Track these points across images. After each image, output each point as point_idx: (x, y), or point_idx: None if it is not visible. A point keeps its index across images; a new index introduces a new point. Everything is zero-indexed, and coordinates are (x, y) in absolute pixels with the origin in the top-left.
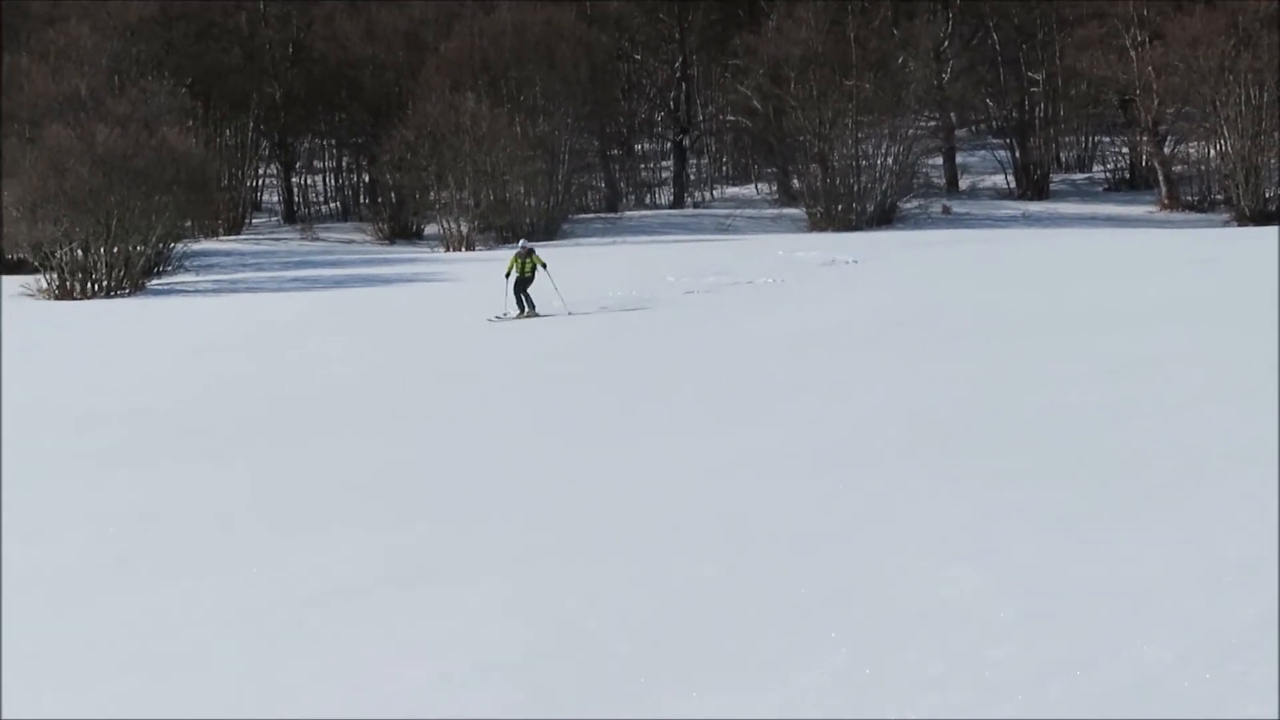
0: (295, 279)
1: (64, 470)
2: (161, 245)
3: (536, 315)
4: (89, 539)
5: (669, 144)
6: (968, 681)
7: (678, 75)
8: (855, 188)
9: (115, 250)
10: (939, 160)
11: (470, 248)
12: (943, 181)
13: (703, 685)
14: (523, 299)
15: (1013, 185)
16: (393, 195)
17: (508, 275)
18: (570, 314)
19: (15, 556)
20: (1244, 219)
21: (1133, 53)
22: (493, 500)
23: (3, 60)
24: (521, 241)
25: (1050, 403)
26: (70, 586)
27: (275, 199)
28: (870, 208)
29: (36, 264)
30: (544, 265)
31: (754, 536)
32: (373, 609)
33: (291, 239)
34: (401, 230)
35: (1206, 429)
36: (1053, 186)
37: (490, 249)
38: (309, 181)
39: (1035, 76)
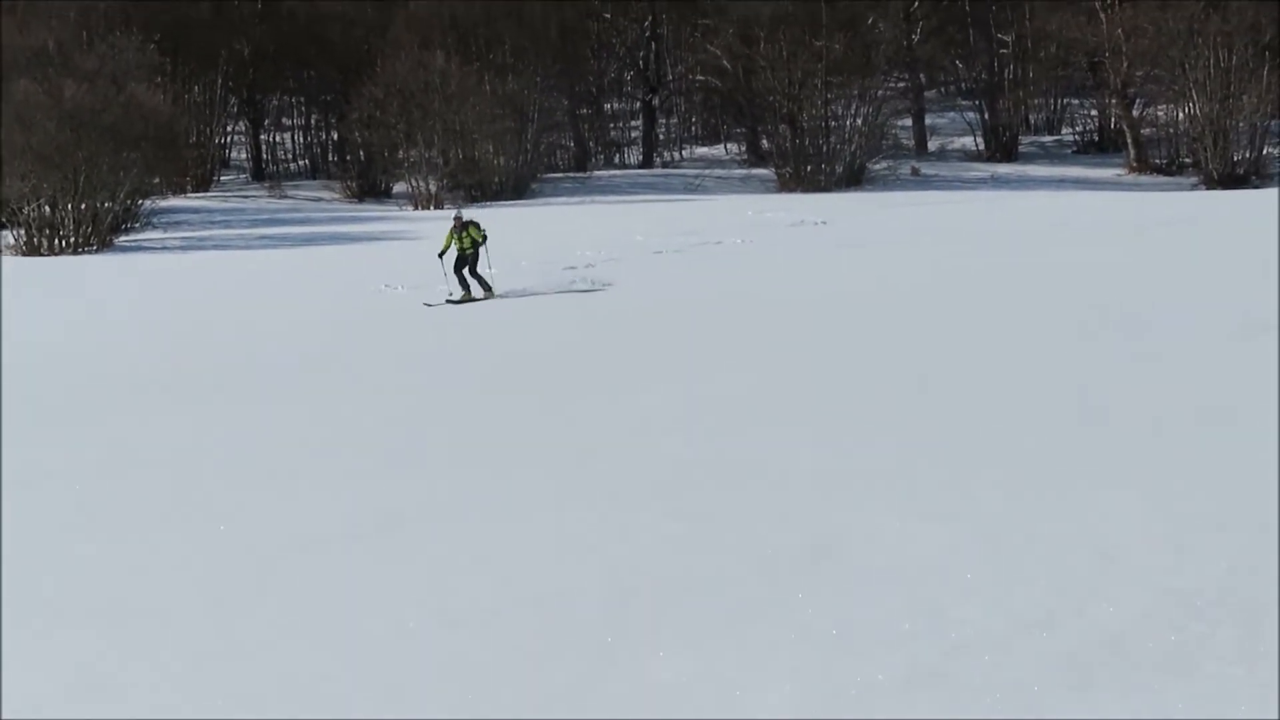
0: (263, 237)
1: (26, 425)
2: (129, 202)
3: (492, 295)
4: (49, 492)
5: (638, 103)
6: (935, 639)
7: (647, 34)
8: (824, 149)
9: (83, 207)
10: (908, 122)
11: (439, 206)
12: (912, 143)
13: (668, 643)
14: (465, 278)
15: (982, 147)
16: (361, 153)
17: (442, 254)
18: (501, 296)
19: None
20: (1212, 182)
21: (1102, 15)
22: (454, 455)
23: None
24: (456, 211)
25: (1017, 362)
26: (30, 539)
27: (244, 156)
28: (839, 169)
29: (3, 220)
30: (484, 240)
31: (719, 492)
32: (335, 562)
33: (260, 196)
34: (370, 188)
35: (1176, 388)
36: (1021, 149)
37: (459, 207)
38: (278, 139)
39: (1005, 38)
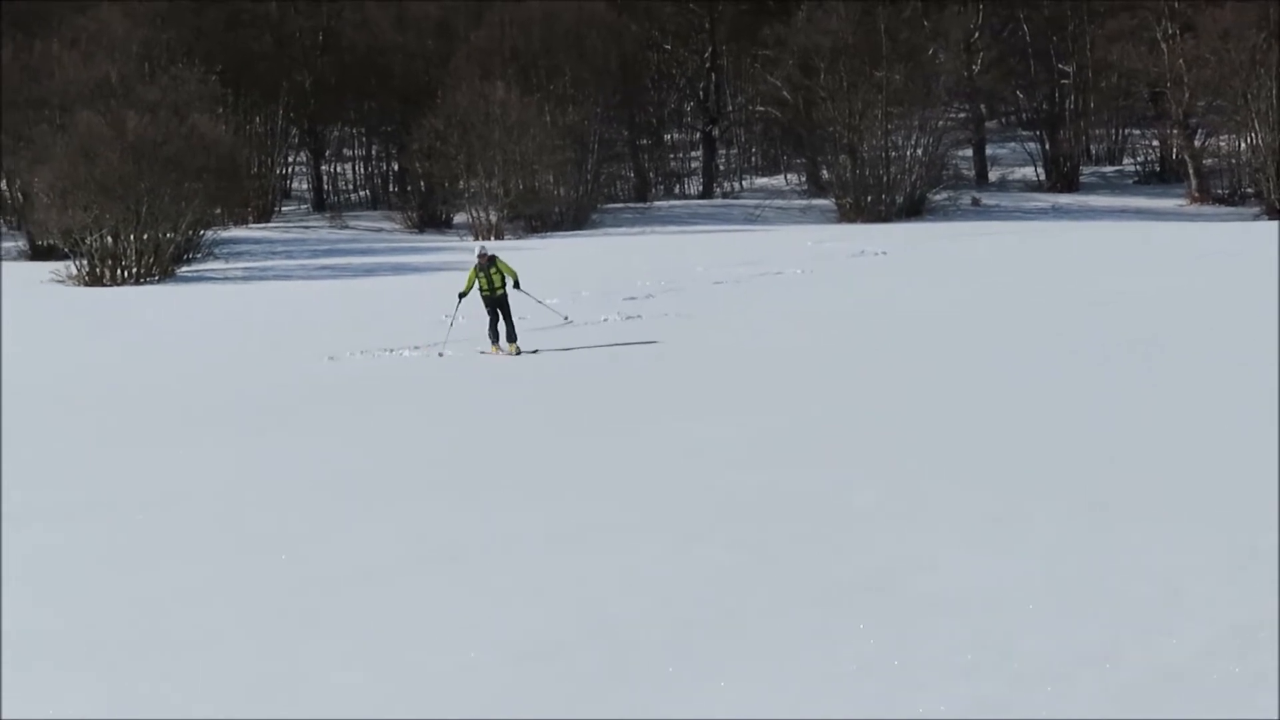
0: (324, 267)
1: (88, 453)
2: (191, 232)
3: (518, 351)
4: (111, 520)
5: (698, 134)
6: (997, 671)
7: (707, 65)
8: (885, 179)
9: (145, 237)
10: (969, 152)
11: (499, 236)
12: (972, 173)
13: (730, 673)
14: (496, 330)
15: (1043, 177)
16: (422, 184)
17: (464, 294)
18: (568, 320)
19: (36, 537)
20: (1274, 212)
21: (1164, 45)
22: (515, 486)
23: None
24: (479, 246)
25: (1080, 391)
26: (93, 566)
27: (305, 187)
28: (900, 199)
29: (67, 250)
30: (515, 280)
31: (781, 523)
32: (396, 593)
33: (321, 227)
34: (430, 219)
35: (1238, 420)
36: (1083, 179)
37: (519, 238)
38: (338, 169)
39: (1066, 68)
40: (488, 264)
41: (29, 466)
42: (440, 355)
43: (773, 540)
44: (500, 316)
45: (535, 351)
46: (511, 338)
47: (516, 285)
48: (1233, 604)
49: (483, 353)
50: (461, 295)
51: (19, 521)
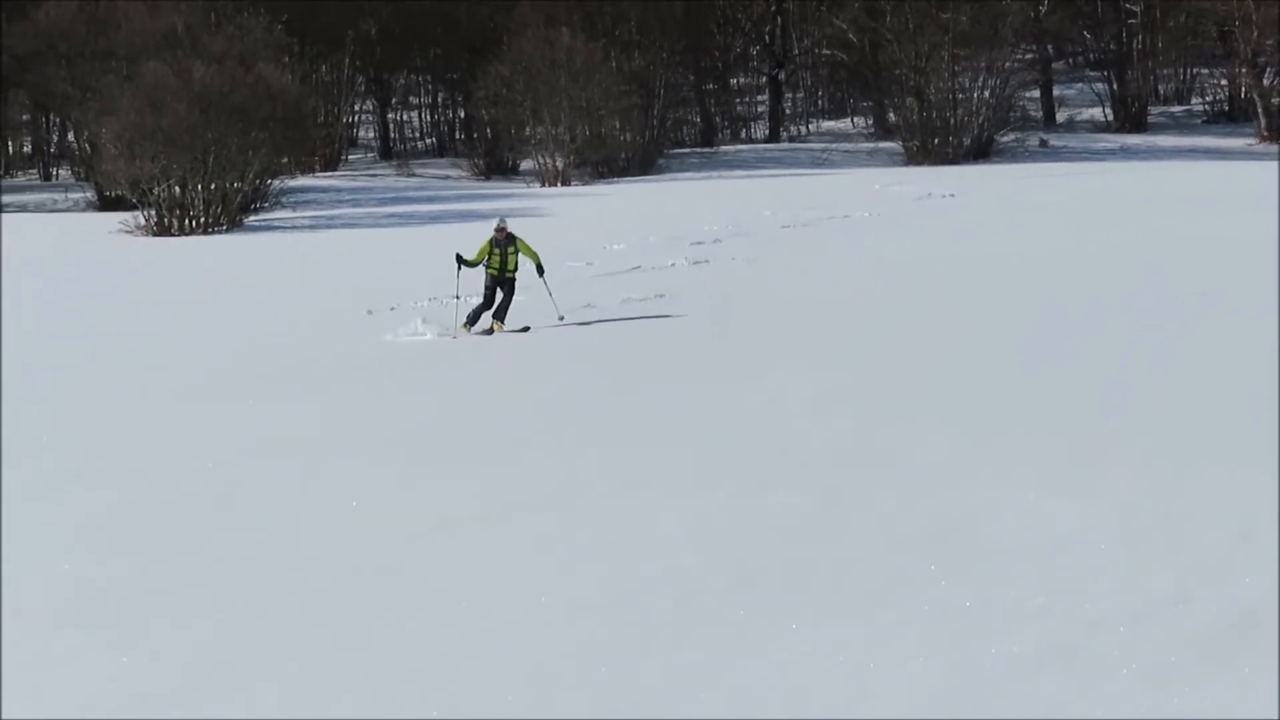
0: (391, 215)
1: (160, 407)
2: (258, 181)
3: (501, 329)
4: (182, 476)
5: (764, 78)
6: (1068, 614)
7: (773, 9)
8: (952, 121)
9: (213, 187)
10: (1036, 93)
11: (566, 183)
12: (1040, 115)
13: (800, 619)
14: (490, 301)
15: (1110, 118)
16: (488, 131)
17: (469, 264)
18: (562, 319)
19: (109, 494)
20: None
21: None
22: (583, 438)
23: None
24: (498, 219)
25: (1152, 337)
26: (168, 523)
27: (371, 135)
28: (967, 141)
29: (135, 201)
30: (539, 265)
31: (849, 473)
32: (466, 545)
33: (388, 175)
34: (497, 166)
35: None
36: (1151, 119)
37: (586, 184)
38: (405, 118)
39: (1133, 8)
40: (506, 241)
41: (99, 424)
42: (454, 338)
43: (842, 489)
44: (501, 294)
45: (526, 329)
46: (500, 315)
47: (541, 272)
48: None
49: (486, 331)
50: (467, 263)
51: (93, 480)
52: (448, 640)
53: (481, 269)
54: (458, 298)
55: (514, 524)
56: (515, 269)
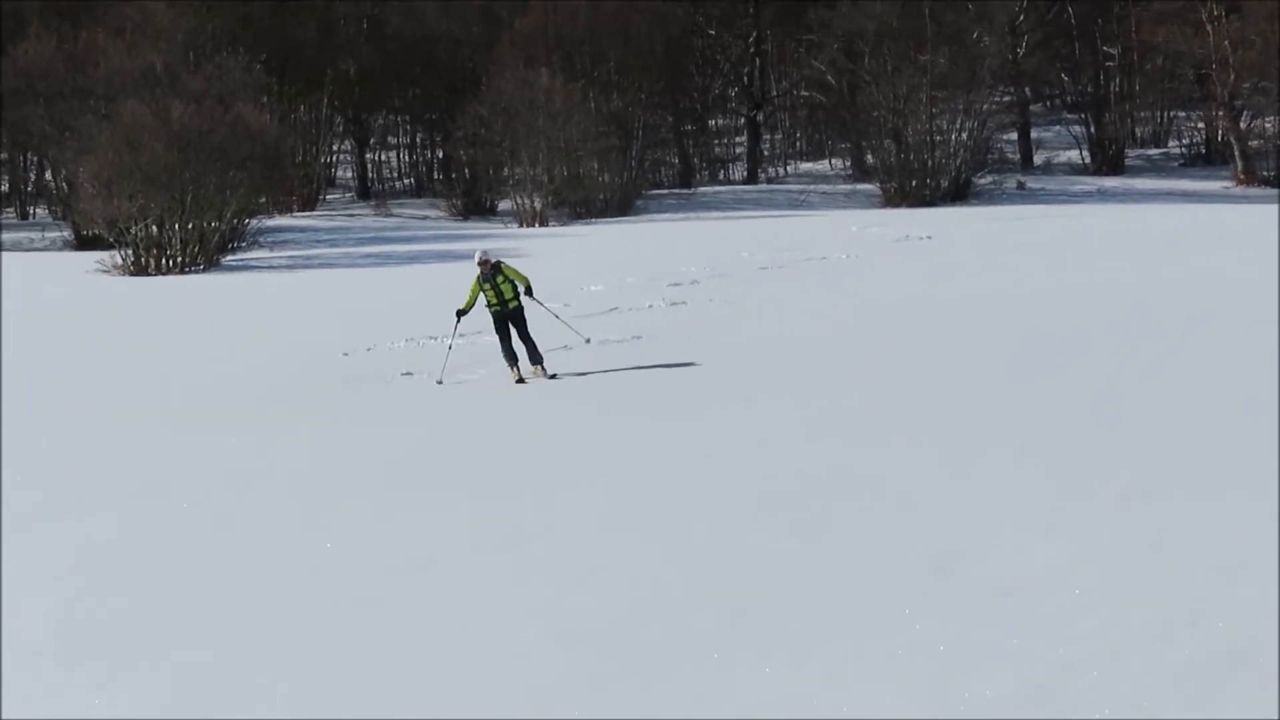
0: (369, 255)
1: (136, 445)
2: (236, 221)
3: (544, 373)
4: (167, 506)
5: (743, 119)
6: (1048, 654)
7: (751, 50)
8: (929, 163)
9: (190, 226)
10: (1014, 135)
11: (544, 223)
12: (1017, 157)
13: (784, 655)
14: (513, 349)
15: (1088, 160)
16: (466, 171)
17: (465, 311)
18: (589, 341)
19: (95, 527)
20: None
21: (1209, 26)
22: (571, 471)
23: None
24: (478, 253)
25: (1134, 373)
26: (152, 552)
27: (349, 175)
28: (944, 183)
29: (112, 240)
30: (527, 286)
31: (833, 507)
32: (452, 578)
33: (365, 215)
34: (475, 206)
35: None
36: (1128, 161)
37: (564, 224)
38: (383, 158)
39: (1111, 51)
40: (492, 273)
41: (82, 457)
42: (439, 383)
43: (826, 524)
44: (515, 334)
45: (554, 377)
46: (535, 359)
47: (529, 293)
48: None
49: (519, 382)
50: (461, 313)
51: (77, 511)
52: (432, 672)
53: (485, 310)
54: (450, 346)
55: (498, 556)
56: (515, 296)
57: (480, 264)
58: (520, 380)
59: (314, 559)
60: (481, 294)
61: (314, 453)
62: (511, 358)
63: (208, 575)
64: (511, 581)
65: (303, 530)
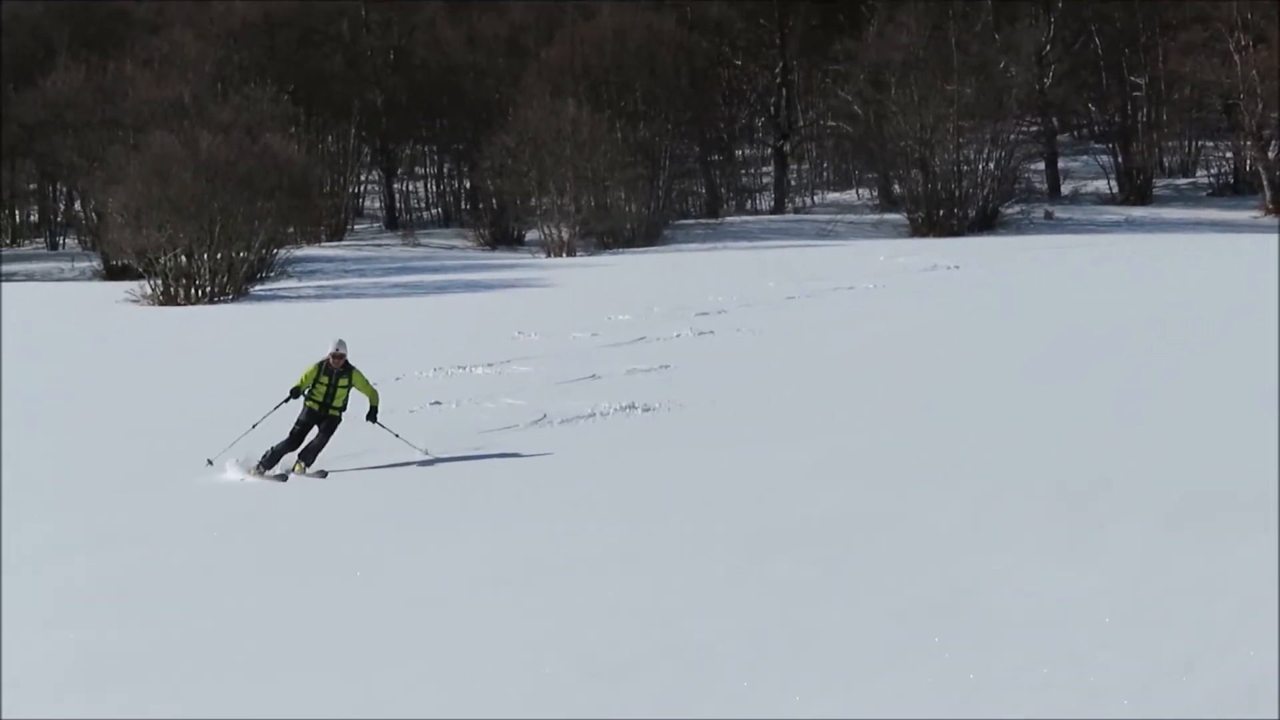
0: (397, 285)
1: (163, 475)
2: (264, 251)
3: (304, 470)
4: (190, 541)
5: (770, 149)
6: (1072, 686)
7: (778, 80)
8: (957, 193)
9: (219, 256)
10: (1041, 165)
11: (571, 253)
12: (1045, 187)
13: (803, 690)
14: (298, 442)
15: (1115, 190)
16: (494, 201)
17: (297, 392)
18: (427, 454)
19: (118, 558)
20: None
21: (1236, 56)
22: (591, 506)
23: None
24: (336, 342)
25: (1159, 407)
26: (171, 588)
27: (377, 205)
28: (972, 213)
29: (141, 270)
30: (374, 406)
31: (854, 541)
32: (471, 614)
33: (393, 245)
34: (503, 236)
35: None
36: (1156, 191)
37: (591, 254)
38: (410, 188)
39: (1138, 81)
40: (341, 371)
41: (100, 489)
42: (210, 463)
43: (846, 558)
44: (312, 435)
45: (323, 474)
46: (309, 456)
47: (372, 416)
48: None
49: (287, 474)
50: (296, 392)
51: (94, 547)
52: (453, 703)
53: (313, 394)
54: (254, 426)
55: (518, 592)
56: (343, 406)
57: (333, 356)
58: (260, 472)
59: (332, 595)
60: (313, 384)
61: (337, 485)
62: (289, 447)
63: (218, 611)
64: (532, 614)
65: (315, 569)
